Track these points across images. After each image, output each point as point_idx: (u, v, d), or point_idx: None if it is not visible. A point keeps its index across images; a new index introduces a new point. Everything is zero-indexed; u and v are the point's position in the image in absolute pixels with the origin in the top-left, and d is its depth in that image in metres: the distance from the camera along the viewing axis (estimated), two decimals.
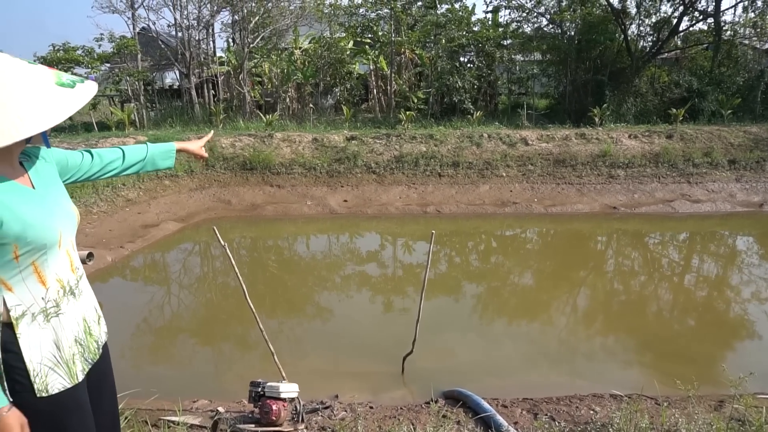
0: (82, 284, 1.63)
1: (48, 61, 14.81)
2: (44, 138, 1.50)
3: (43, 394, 1.47)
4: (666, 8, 16.29)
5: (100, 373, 1.72)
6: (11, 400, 1.41)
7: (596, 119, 13.34)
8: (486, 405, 3.53)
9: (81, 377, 1.57)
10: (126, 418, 3.07)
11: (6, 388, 1.42)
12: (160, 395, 3.61)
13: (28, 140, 1.46)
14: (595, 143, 12.25)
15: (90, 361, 1.64)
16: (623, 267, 8.36)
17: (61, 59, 14.64)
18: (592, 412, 3.59)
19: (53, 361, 1.49)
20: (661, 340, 5.60)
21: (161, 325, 6.26)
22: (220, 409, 3.64)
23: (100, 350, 1.71)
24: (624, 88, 15.50)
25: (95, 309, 1.72)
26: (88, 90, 1.48)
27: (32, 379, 1.45)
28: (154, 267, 8.45)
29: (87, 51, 15.31)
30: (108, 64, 16.76)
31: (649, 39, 16.71)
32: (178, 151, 2.10)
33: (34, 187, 1.51)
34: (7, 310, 1.43)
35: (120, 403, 3.09)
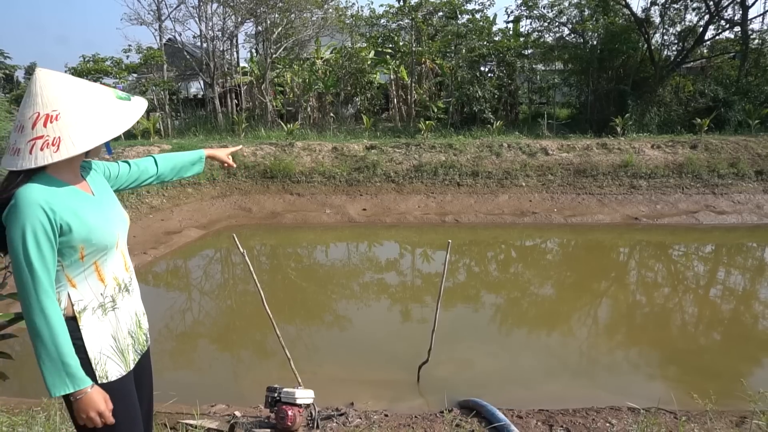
0: (134, 282, 1.81)
1: (78, 72, 15.26)
2: (107, 146, 1.65)
3: (104, 381, 1.61)
4: (691, 17, 16.03)
5: (144, 364, 1.86)
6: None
7: (618, 129, 13.21)
8: (500, 415, 3.52)
9: (132, 366, 1.72)
10: None
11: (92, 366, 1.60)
12: (179, 399, 3.68)
13: (86, 152, 1.60)
14: (617, 153, 12.11)
15: (139, 351, 1.78)
16: (645, 278, 8.23)
17: (91, 70, 15.06)
18: (608, 424, 3.55)
19: (111, 351, 1.65)
20: (684, 353, 5.50)
21: (181, 331, 6.36)
22: (237, 413, 3.69)
23: (148, 341, 1.86)
24: (647, 97, 15.29)
25: (142, 304, 1.89)
26: (141, 103, 1.69)
27: (94, 366, 1.59)
28: (175, 273, 8.60)
29: (115, 62, 15.73)
30: (135, 75, 17.20)
31: (674, 48, 16.51)
32: (208, 157, 2.25)
33: (93, 194, 1.68)
34: (71, 305, 1.58)
35: None
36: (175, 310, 6.90)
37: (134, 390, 1.74)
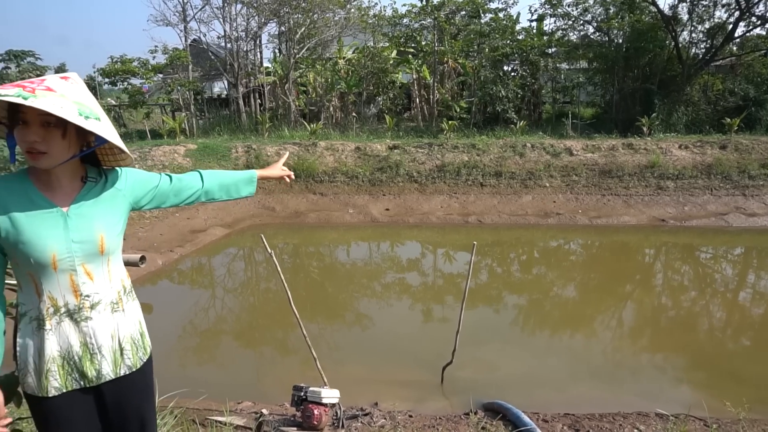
0: (95, 312, 1.60)
1: (106, 73, 15.59)
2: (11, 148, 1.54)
3: (26, 390, 1.61)
4: (720, 14, 15.67)
5: (121, 398, 1.70)
6: None
7: (645, 129, 12.99)
8: (526, 419, 3.50)
9: (54, 393, 1.58)
10: (176, 416, 3.20)
11: (19, 371, 1.59)
12: (208, 396, 3.75)
13: (77, 157, 1.57)
14: (643, 154, 11.91)
15: (81, 383, 1.62)
16: (672, 281, 8.09)
17: (119, 71, 15.36)
18: (636, 431, 3.51)
19: (32, 367, 1.57)
20: (713, 358, 5.40)
21: (207, 328, 6.47)
22: (264, 411, 3.74)
23: (103, 379, 1.64)
24: (674, 96, 15.00)
25: (118, 339, 1.66)
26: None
27: (18, 372, 1.60)
28: (201, 271, 8.74)
29: (142, 63, 16.01)
30: (161, 75, 17.48)
31: (702, 46, 16.14)
32: (260, 179, 2.14)
33: (68, 207, 1.56)
34: (17, 306, 1.58)
35: (170, 402, 3.24)
36: (201, 308, 7.01)
37: (66, 418, 1.61)
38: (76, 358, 1.59)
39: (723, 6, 15.43)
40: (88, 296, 1.59)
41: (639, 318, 6.64)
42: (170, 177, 1.88)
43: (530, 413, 3.70)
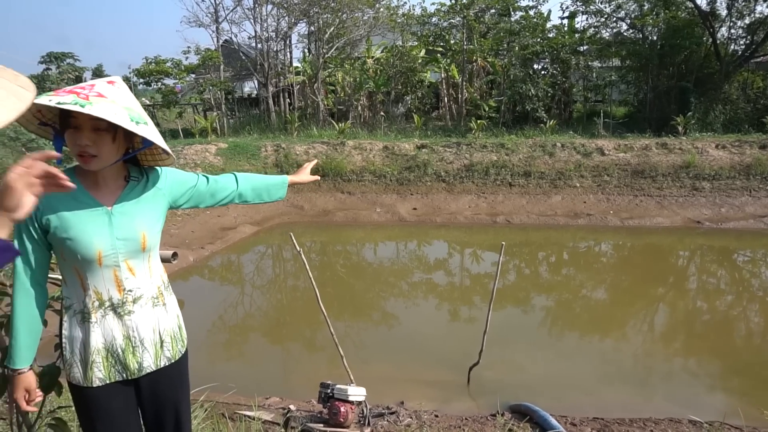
0: (138, 306, 1.67)
1: (141, 73, 15.99)
2: (57, 144, 1.56)
3: (71, 381, 1.67)
4: (762, 8, 15.17)
5: (158, 390, 1.77)
6: (31, 367, 1.61)
7: (680, 128, 12.65)
8: (554, 422, 3.46)
9: (98, 383, 1.65)
10: (206, 410, 3.28)
11: (64, 362, 1.67)
12: (237, 390, 3.82)
13: (121, 160, 1.61)
14: (678, 153, 11.61)
15: (123, 375, 1.69)
16: (707, 285, 7.87)
17: (153, 71, 15.72)
18: None
19: (78, 358, 1.64)
20: (750, 365, 5.23)
21: (237, 323, 6.58)
22: (292, 407, 3.79)
23: (144, 371, 1.71)
24: (711, 94, 14.56)
25: (158, 332, 1.72)
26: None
27: (63, 364, 1.67)
28: (230, 268, 8.89)
29: (175, 63, 16.35)
30: (193, 75, 17.82)
31: (742, 42, 15.62)
32: (291, 184, 2.17)
33: (112, 206, 1.62)
34: (62, 299, 1.66)
35: (201, 396, 3.31)
36: (230, 304, 7.13)
37: (110, 408, 1.69)
38: (119, 350, 1.66)
39: (764, 0, 14.91)
40: (130, 291, 1.66)
41: (672, 322, 6.48)
42: (207, 178, 1.92)
43: (558, 416, 3.66)
